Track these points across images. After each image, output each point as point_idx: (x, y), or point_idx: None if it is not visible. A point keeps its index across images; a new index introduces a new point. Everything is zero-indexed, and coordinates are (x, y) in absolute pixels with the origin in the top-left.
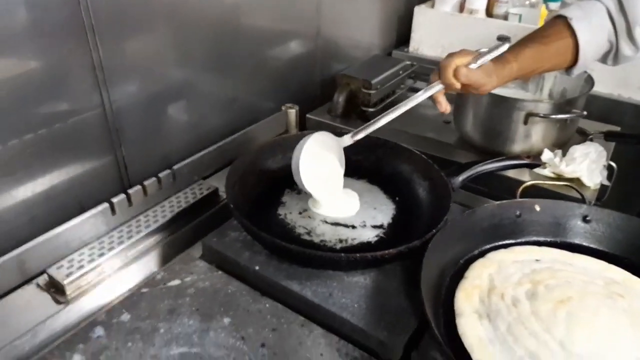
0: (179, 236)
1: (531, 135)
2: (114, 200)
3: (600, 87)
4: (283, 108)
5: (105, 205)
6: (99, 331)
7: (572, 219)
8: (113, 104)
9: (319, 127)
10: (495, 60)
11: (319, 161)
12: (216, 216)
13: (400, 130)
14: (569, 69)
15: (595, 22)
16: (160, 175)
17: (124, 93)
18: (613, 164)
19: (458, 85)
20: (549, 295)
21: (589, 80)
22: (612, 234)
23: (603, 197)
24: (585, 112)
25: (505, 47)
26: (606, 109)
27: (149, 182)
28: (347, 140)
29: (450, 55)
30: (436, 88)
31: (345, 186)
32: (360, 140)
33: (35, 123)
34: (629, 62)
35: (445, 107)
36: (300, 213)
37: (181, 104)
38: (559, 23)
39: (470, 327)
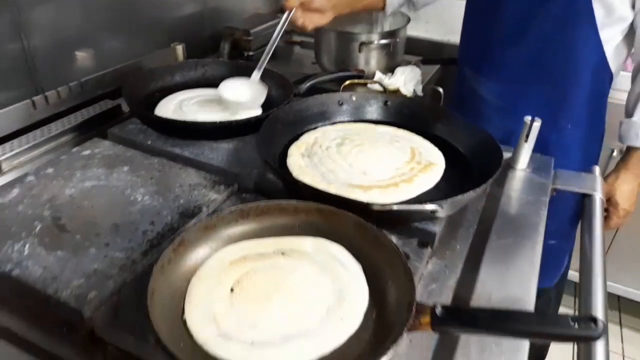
0: (89, 136)
1: (369, 61)
2: (35, 98)
3: (435, 35)
4: (172, 45)
5: (28, 101)
6: (30, 178)
7: (377, 103)
8: (32, 49)
9: None
10: None
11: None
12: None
13: (280, 73)
14: (383, 9)
15: None
16: (70, 84)
17: (40, 40)
18: (440, 89)
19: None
20: (351, 143)
21: (407, 19)
22: (401, 111)
23: None
24: (398, 39)
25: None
26: (440, 51)
27: (62, 88)
28: (256, 74)
29: None
30: (288, 14)
31: None
32: None
33: None
34: (423, 7)
35: (301, 22)
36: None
37: (89, 46)
38: None
39: (294, 160)
